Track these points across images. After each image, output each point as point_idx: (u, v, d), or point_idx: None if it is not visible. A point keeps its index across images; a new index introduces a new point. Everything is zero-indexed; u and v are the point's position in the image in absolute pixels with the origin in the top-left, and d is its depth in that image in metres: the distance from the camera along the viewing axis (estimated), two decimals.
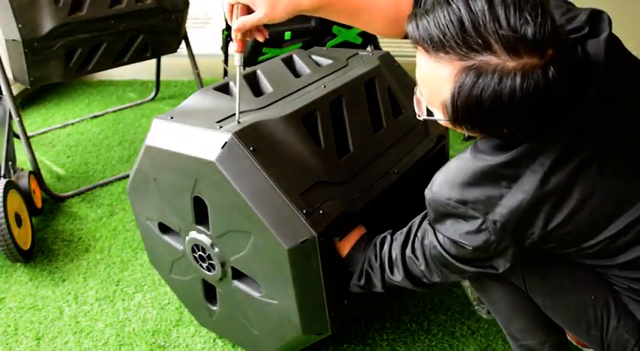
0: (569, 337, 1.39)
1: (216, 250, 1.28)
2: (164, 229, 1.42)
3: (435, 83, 0.84)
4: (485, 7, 0.77)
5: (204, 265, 1.34)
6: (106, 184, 2.37)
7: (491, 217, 0.91)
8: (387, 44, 3.12)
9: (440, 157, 1.59)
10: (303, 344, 1.38)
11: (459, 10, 0.78)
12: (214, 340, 1.57)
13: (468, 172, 0.93)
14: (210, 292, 1.43)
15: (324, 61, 1.57)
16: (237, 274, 1.30)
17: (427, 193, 0.99)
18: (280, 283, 1.19)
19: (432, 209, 1.00)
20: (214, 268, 1.32)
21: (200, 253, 1.33)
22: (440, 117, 0.89)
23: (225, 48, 2.80)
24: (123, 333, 1.62)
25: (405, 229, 1.14)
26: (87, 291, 1.79)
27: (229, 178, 1.12)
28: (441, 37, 0.79)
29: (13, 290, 1.81)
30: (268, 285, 1.24)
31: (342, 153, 1.30)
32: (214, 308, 1.45)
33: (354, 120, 1.35)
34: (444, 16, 0.79)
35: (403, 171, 1.38)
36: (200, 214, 1.27)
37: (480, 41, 0.77)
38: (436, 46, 0.80)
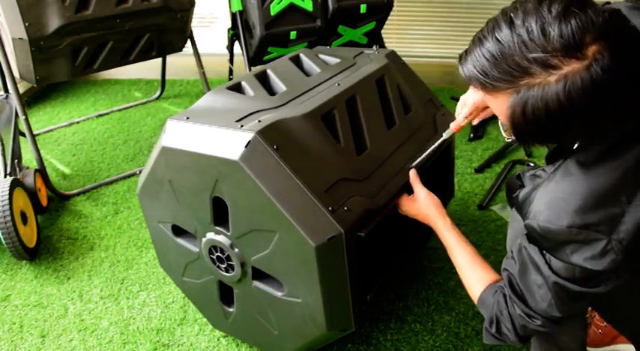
0: None
1: (236, 250, 1.28)
2: (178, 231, 1.41)
3: (497, 111, 0.88)
4: (510, 34, 0.78)
5: (223, 266, 1.33)
6: (111, 182, 2.38)
7: (615, 236, 0.85)
8: (392, 44, 3.12)
9: (447, 155, 1.60)
10: (324, 342, 1.38)
11: (490, 44, 0.81)
12: (218, 339, 1.57)
13: (584, 194, 0.87)
14: (226, 294, 1.43)
15: (332, 60, 1.58)
16: (258, 275, 1.30)
17: (531, 223, 0.92)
18: (305, 280, 1.19)
19: (544, 240, 0.92)
20: (233, 269, 1.31)
21: (218, 254, 1.32)
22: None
23: (230, 47, 2.81)
24: (127, 331, 1.62)
25: (506, 283, 1.06)
26: (92, 289, 1.79)
27: (253, 176, 1.11)
28: (483, 76, 0.82)
29: (19, 288, 1.82)
30: (292, 283, 1.23)
31: (360, 150, 1.32)
32: (230, 310, 1.44)
33: (369, 117, 1.37)
34: (479, 56, 0.82)
35: (418, 166, 1.39)
36: (219, 215, 1.26)
37: (517, 69, 0.78)
38: (483, 84, 0.83)
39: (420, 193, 1.32)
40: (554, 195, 0.90)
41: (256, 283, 1.31)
